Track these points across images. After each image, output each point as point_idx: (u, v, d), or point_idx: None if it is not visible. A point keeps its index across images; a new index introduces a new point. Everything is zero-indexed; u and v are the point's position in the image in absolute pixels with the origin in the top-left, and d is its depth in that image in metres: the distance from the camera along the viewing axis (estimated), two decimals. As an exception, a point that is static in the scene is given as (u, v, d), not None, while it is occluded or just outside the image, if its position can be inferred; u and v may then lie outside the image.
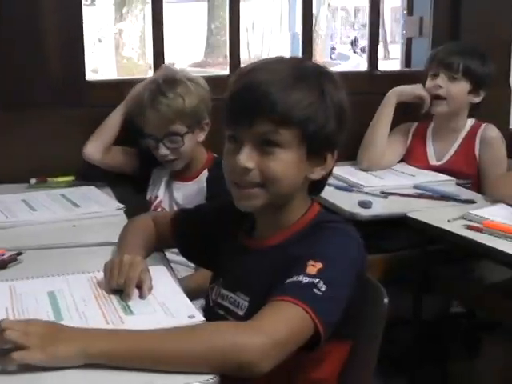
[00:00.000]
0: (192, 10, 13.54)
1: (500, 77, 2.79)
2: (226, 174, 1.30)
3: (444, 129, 2.42)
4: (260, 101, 1.23)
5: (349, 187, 2.19)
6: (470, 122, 2.40)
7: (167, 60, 2.48)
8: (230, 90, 1.28)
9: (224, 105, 1.29)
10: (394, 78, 2.60)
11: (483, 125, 2.38)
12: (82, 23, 2.30)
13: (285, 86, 1.24)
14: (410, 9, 3.02)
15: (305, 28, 2.61)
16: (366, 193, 2.15)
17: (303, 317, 1.14)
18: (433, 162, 2.42)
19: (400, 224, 1.95)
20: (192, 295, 1.36)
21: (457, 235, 1.76)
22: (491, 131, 2.35)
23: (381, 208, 2.03)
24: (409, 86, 2.41)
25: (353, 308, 1.24)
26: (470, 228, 1.78)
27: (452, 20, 2.73)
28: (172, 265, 1.57)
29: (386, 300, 1.31)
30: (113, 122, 2.20)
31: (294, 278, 1.18)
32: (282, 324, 1.13)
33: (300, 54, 2.60)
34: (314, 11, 2.88)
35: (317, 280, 1.17)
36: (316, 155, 1.29)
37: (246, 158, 1.24)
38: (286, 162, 1.25)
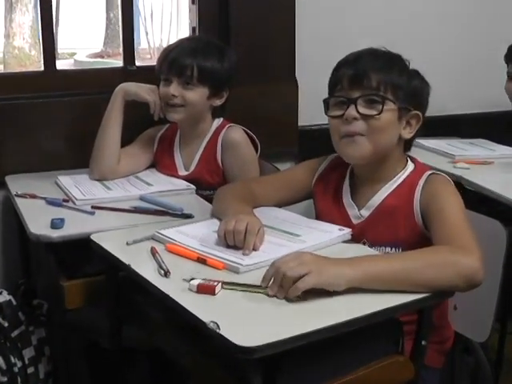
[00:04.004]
0: (91, -2, 13.06)
1: (285, 71, 2.58)
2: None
3: (189, 134, 2.15)
4: None
5: (60, 201, 1.91)
6: (217, 122, 2.14)
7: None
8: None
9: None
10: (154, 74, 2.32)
11: (226, 126, 2.11)
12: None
13: None
14: (194, -3, 2.75)
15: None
16: (77, 208, 1.87)
17: None
18: (181, 171, 2.15)
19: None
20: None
21: (122, 262, 1.49)
22: (233, 133, 2.09)
23: (74, 227, 1.75)
24: (137, 85, 2.11)
25: None
26: (153, 252, 1.51)
27: (221, 9, 2.47)
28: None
29: None
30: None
31: None
32: None
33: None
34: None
35: None
36: None
37: None
38: None
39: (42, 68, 2.33)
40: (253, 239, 1.49)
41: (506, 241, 1.66)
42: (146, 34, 12.31)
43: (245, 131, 2.12)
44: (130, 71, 2.39)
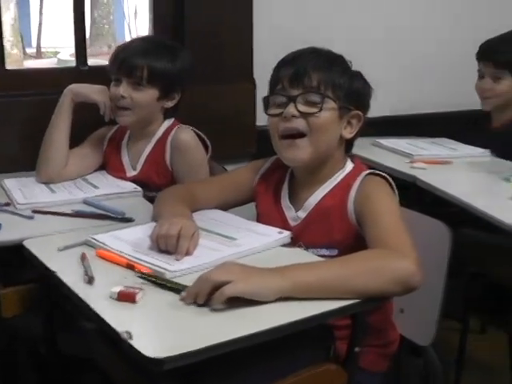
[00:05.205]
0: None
1: (243, 71, 2.55)
2: None
3: (137, 135, 2.12)
4: None
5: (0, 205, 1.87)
6: (167, 123, 2.10)
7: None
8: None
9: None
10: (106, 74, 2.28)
11: (176, 127, 2.08)
12: None
13: None
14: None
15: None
16: (16, 212, 1.83)
17: None
18: (129, 171, 2.12)
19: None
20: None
21: (48, 269, 1.45)
22: (183, 134, 2.05)
23: (11, 233, 1.70)
24: (86, 86, 2.07)
25: None
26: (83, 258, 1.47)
27: (176, 9, 2.43)
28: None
29: None
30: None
31: None
32: None
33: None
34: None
35: None
36: None
37: None
38: None
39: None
40: (186, 244, 1.45)
41: (450, 242, 1.63)
42: (130, 32, 12.24)
43: (195, 132, 2.08)
44: (82, 71, 2.35)
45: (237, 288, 1.22)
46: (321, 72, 1.57)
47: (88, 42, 9.02)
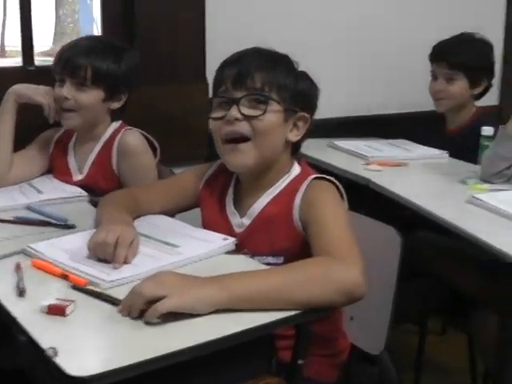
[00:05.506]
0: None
1: (195, 71, 2.50)
2: None
3: (84, 137, 2.05)
4: None
5: None
6: (115, 125, 2.04)
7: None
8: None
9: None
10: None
11: (123, 130, 2.02)
12: None
13: None
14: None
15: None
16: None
17: None
18: (75, 175, 2.05)
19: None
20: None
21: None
22: (129, 138, 1.99)
23: None
24: (30, 86, 2.00)
25: None
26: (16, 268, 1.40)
27: (126, 10, 2.37)
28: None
29: None
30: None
31: None
32: None
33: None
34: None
35: None
36: None
37: None
38: None
39: None
40: (123, 252, 1.39)
41: (401, 248, 1.59)
42: (98, 31, 12.16)
43: (143, 135, 2.02)
44: (29, 71, 2.28)
45: (171, 303, 1.16)
46: (264, 72, 1.51)
47: (52, 41, 8.88)
